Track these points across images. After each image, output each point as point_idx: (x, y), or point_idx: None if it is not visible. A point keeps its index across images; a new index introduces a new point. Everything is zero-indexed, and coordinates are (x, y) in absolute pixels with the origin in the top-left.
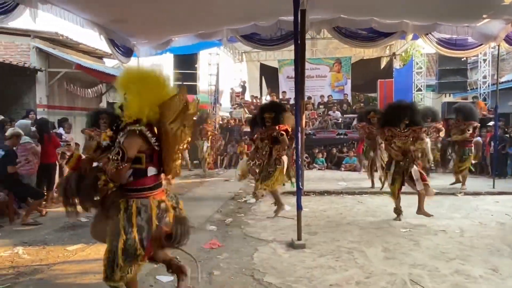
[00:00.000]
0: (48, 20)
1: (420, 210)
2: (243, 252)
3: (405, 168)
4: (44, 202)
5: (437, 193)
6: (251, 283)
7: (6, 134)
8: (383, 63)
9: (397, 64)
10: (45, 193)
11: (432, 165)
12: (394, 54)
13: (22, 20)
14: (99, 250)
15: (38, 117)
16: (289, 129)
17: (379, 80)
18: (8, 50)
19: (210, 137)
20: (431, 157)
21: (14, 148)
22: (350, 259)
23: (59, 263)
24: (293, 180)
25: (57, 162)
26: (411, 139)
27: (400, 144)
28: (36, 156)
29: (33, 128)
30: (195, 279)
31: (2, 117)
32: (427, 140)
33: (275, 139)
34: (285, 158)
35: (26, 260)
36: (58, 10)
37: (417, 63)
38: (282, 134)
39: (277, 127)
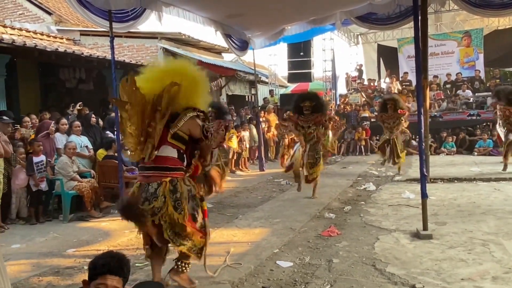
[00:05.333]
0: (172, 22)
1: None
2: (363, 241)
3: None
4: None
5: None
6: (372, 272)
7: None
8: None
9: None
10: None
11: None
12: None
13: (149, 24)
14: (223, 234)
15: None
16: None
17: None
18: (140, 52)
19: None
20: None
21: None
22: (485, 252)
23: None
24: None
25: None
26: None
27: None
28: None
29: None
30: (315, 265)
31: None
32: None
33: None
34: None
35: None
36: (180, 11)
37: None
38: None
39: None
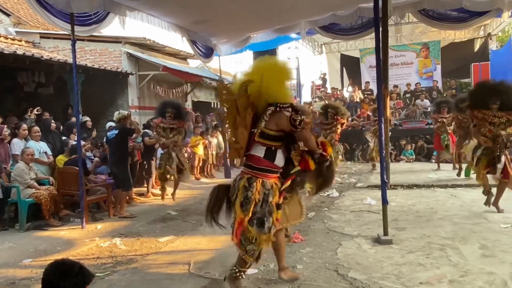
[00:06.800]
0: (136, 26)
1: (495, 202)
2: (327, 247)
3: (495, 153)
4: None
5: None
6: (335, 278)
7: (114, 118)
8: (477, 45)
9: (493, 46)
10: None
11: None
12: (489, 34)
13: (113, 28)
14: (187, 242)
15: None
16: None
17: (473, 64)
18: (103, 56)
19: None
20: None
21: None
22: (443, 256)
23: (151, 254)
24: None
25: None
26: (504, 123)
27: (491, 128)
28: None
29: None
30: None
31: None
32: None
33: None
34: None
35: (123, 250)
36: (145, 16)
37: None
38: None
39: None
